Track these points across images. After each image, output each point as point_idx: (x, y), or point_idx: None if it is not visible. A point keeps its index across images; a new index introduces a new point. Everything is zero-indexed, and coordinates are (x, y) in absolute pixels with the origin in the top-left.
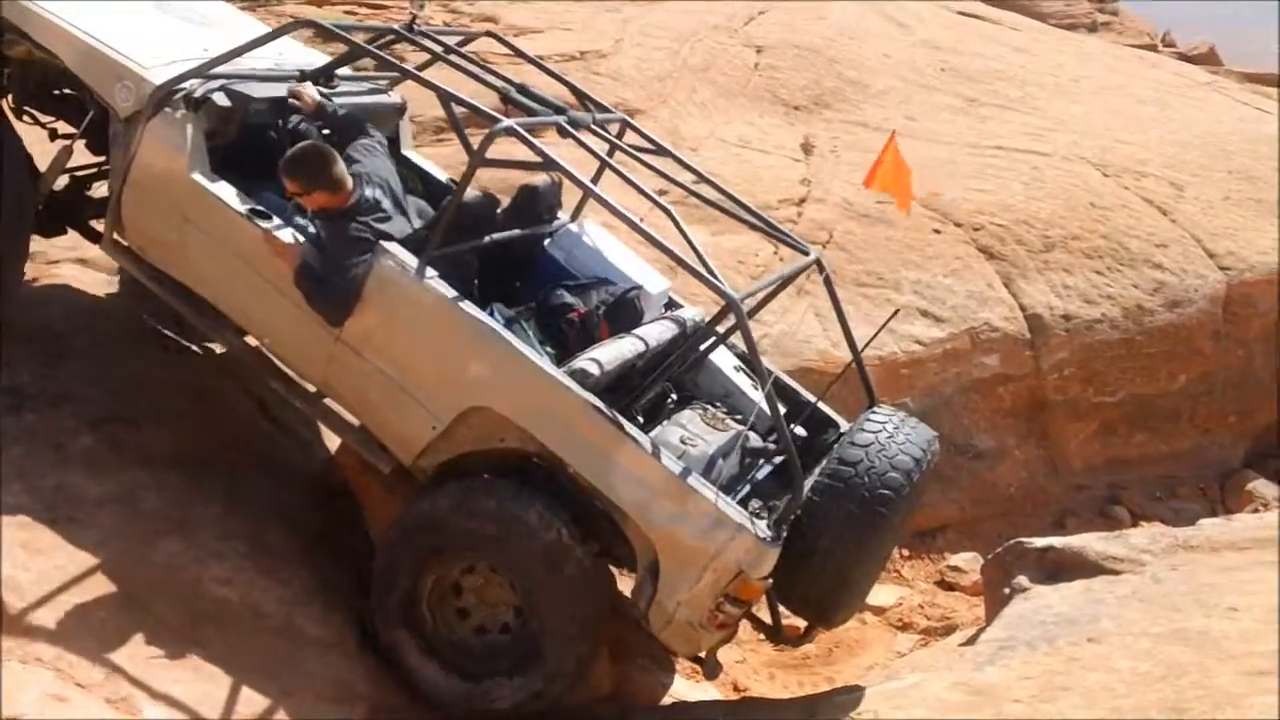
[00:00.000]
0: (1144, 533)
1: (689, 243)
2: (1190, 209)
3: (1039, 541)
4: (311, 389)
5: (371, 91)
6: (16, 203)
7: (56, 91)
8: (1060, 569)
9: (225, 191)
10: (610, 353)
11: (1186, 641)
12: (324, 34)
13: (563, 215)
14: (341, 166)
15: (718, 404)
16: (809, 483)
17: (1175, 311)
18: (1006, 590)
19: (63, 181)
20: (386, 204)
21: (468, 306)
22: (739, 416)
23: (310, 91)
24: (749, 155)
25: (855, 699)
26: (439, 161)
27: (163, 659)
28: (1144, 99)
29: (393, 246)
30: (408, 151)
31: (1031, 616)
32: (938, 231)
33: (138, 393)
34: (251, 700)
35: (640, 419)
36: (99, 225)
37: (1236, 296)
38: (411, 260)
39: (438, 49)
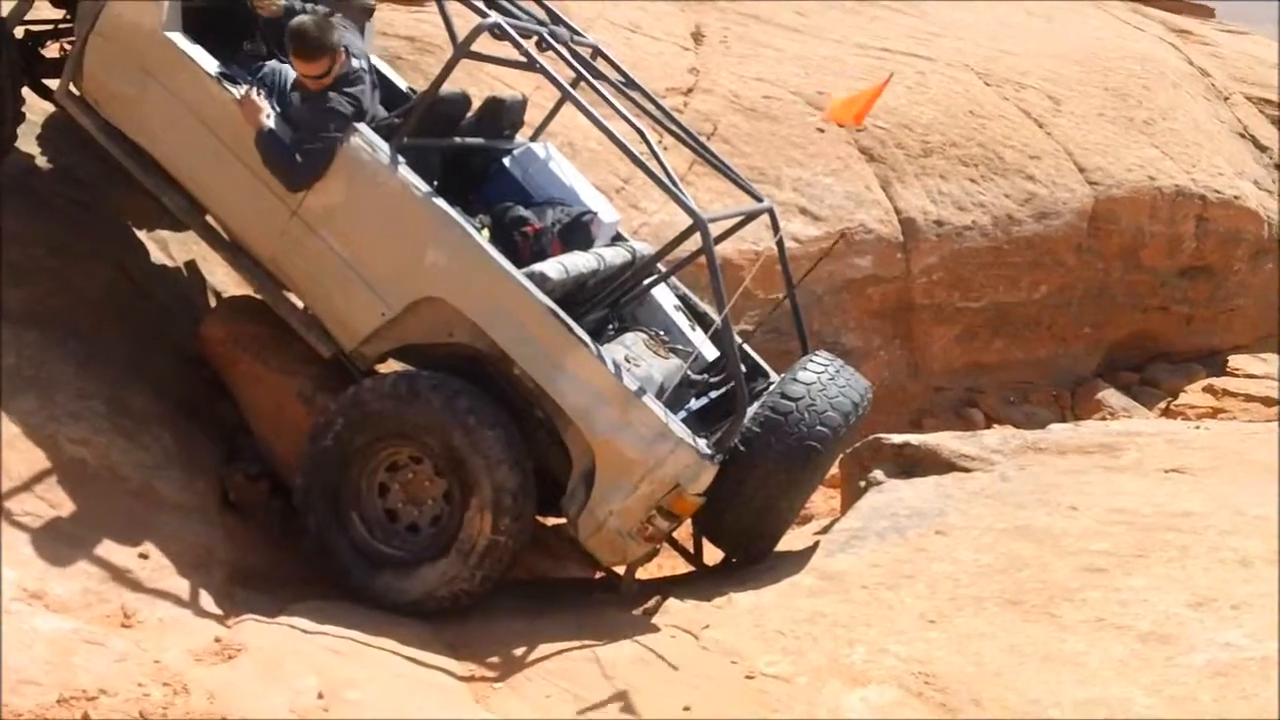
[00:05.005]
0: (996, 434)
1: (660, 163)
2: (1065, 123)
3: (896, 438)
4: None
5: None
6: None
7: None
8: (915, 465)
9: (197, 52)
10: (570, 263)
11: (1029, 537)
12: None
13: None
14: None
15: (660, 333)
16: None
17: (1043, 223)
18: (862, 483)
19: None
20: (367, 79)
21: (435, 197)
22: (680, 348)
23: None
24: (638, 40)
25: (711, 582)
26: None
27: (15, 516)
28: (1032, 11)
29: (365, 129)
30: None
31: (884, 509)
32: (821, 130)
33: None
34: (106, 561)
35: None
36: (51, 83)
37: (1102, 212)
38: (383, 145)
39: None
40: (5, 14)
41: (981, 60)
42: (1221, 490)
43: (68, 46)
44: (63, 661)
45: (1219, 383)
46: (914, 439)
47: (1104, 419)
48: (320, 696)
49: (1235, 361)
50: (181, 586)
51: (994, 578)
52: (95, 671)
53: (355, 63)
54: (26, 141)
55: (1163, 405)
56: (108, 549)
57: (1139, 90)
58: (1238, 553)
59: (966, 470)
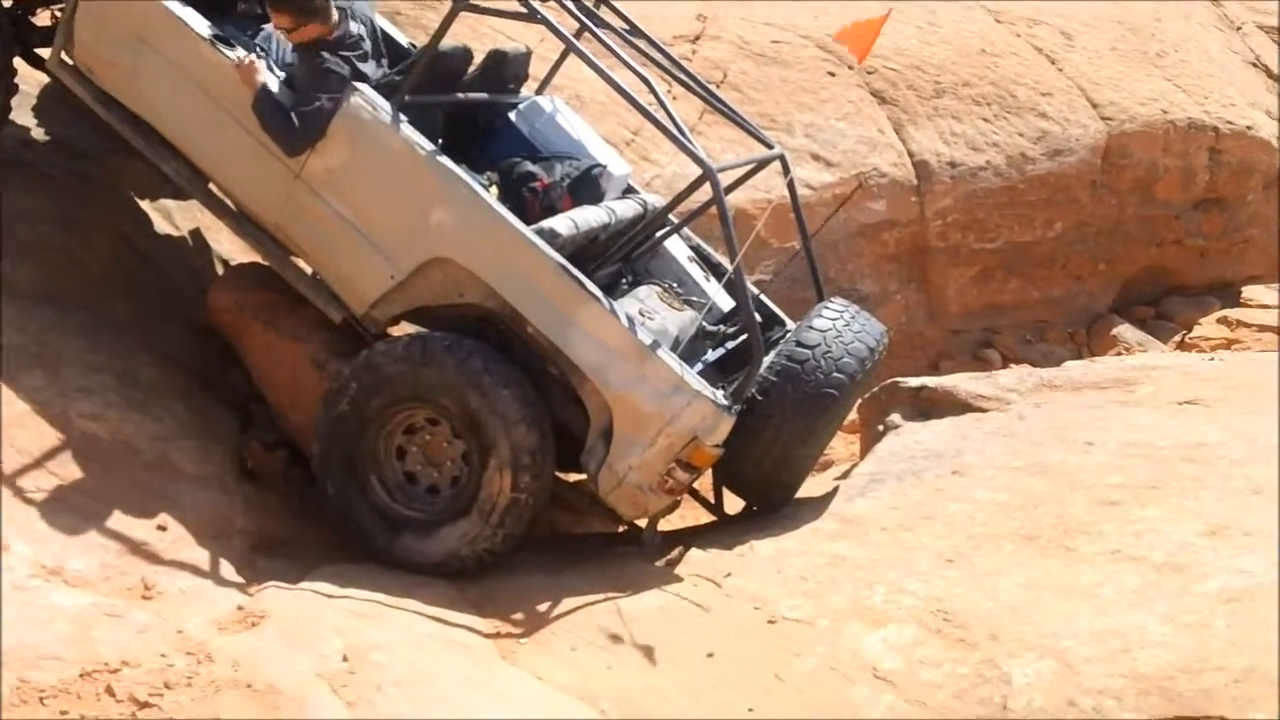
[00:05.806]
0: (1012, 373)
1: (668, 114)
2: (1077, 58)
3: (913, 381)
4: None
5: None
6: None
7: None
8: (932, 407)
9: (189, 15)
10: (580, 218)
11: (1044, 474)
12: None
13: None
14: None
15: (675, 285)
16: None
17: (1056, 160)
18: (880, 427)
19: (6, 2)
20: (367, 45)
21: (439, 156)
22: (695, 300)
23: None
24: None
25: (732, 530)
26: None
27: (28, 494)
28: None
29: (364, 88)
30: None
31: (901, 452)
32: (832, 74)
33: None
34: (124, 535)
35: None
36: (43, 52)
37: (1115, 147)
38: (384, 103)
39: None
40: None
41: None
42: (1235, 420)
43: (58, 14)
44: (83, 636)
45: (1233, 314)
46: (930, 381)
47: (1119, 354)
48: (345, 659)
49: (1248, 293)
50: (201, 557)
51: (1010, 515)
52: (117, 644)
53: (354, 27)
54: (22, 113)
55: (1177, 339)
56: (125, 522)
57: (1151, 23)
58: (1251, 481)
59: (983, 410)
